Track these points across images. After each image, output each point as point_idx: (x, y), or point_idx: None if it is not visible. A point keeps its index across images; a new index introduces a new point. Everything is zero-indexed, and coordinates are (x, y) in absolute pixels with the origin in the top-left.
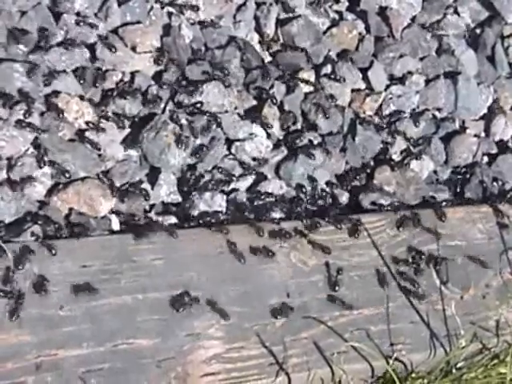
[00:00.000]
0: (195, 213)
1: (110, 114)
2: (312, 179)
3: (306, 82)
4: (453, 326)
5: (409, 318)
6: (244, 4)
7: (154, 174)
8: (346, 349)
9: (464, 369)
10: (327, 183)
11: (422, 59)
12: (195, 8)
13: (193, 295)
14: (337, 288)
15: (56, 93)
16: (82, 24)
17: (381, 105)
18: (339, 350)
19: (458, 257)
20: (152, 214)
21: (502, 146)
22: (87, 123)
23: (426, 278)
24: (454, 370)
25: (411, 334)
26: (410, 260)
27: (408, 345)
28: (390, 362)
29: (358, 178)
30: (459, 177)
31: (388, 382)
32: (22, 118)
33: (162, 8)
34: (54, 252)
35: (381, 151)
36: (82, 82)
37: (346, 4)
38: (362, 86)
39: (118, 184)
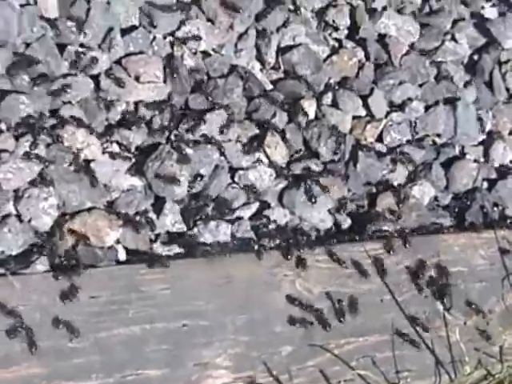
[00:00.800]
0: (200, 242)
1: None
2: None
3: (305, 113)
4: (457, 353)
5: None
6: (245, 32)
7: (159, 204)
8: (352, 376)
9: None
10: (330, 211)
11: (421, 86)
12: (197, 38)
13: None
14: (342, 319)
15: (62, 124)
16: (85, 55)
17: (381, 131)
18: (345, 378)
19: (461, 283)
20: (158, 244)
21: (502, 171)
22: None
23: (429, 304)
24: None
25: (416, 361)
26: (414, 287)
27: (413, 372)
28: None
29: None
30: (460, 202)
31: None
32: (28, 149)
33: (165, 38)
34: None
35: (382, 178)
36: (86, 112)
37: (346, 32)
38: (363, 113)
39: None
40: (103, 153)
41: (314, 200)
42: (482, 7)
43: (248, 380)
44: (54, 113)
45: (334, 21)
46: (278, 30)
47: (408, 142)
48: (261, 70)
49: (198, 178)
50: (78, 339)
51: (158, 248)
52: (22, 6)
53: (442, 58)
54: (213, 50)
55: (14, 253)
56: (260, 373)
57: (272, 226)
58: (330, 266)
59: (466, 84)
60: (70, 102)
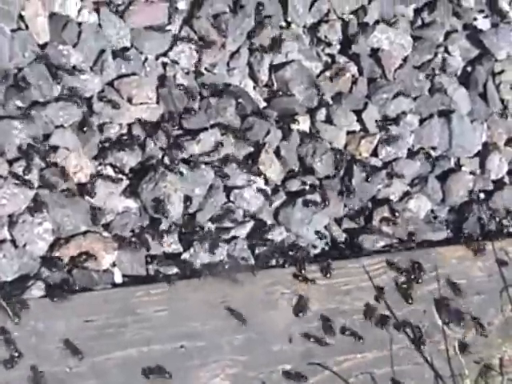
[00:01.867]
0: (197, 262)
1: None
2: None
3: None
4: (457, 366)
5: (412, 360)
6: (237, 51)
7: (154, 225)
8: None
9: None
10: (326, 227)
11: (415, 99)
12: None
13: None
14: (331, 335)
15: (55, 148)
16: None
17: (376, 146)
18: None
19: (459, 296)
20: (153, 266)
21: (498, 182)
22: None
23: (428, 318)
24: None
25: (415, 376)
26: (410, 301)
27: None
28: None
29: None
30: (457, 215)
31: None
32: (21, 174)
33: (157, 59)
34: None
35: (378, 192)
36: (79, 135)
37: (338, 47)
38: (357, 128)
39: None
40: (97, 175)
41: (310, 205)
42: (475, 19)
43: None
44: (46, 137)
45: (326, 36)
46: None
47: None
48: (254, 87)
49: (188, 202)
50: (75, 363)
51: (154, 269)
52: (13, 31)
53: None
54: (205, 69)
55: (9, 279)
56: None
57: (268, 244)
58: (327, 283)
59: (460, 96)
60: (62, 126)
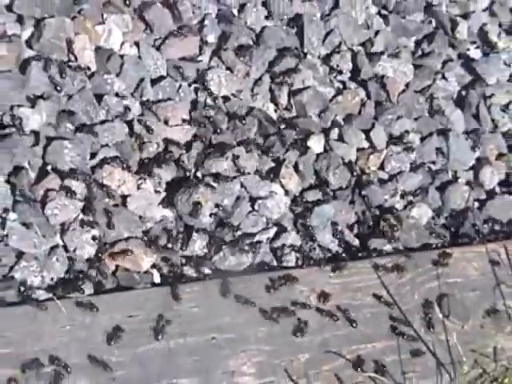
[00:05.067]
0: (225, 265)
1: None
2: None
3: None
4: (456, 354)
5: (417, 349)
6: (260, 79)
7: (188, 232)
8: (363, 379)
9: None
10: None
11: (416, 119)
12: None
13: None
14: (354, 324)
15: (101, 164)
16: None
17: (383, 161)
18: (357, 381)
19: (457, 292)
20: (187, 267)
21: (490, 192)
22: None
23: (430, 312)
24: None
25: (420, 363)
26: (416, 298)
27: (417, 373)
28: None
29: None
30: (454, 221)
31: None
32: (71, 188)
33: (189, 86)
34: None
35: (385, 202)
36: (122, 153)
37: (348, 74)
38: (366, 145)
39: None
40: (138, 188)
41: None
42: (468, 49)
43: None
44: (93, 155)
45: (337, 65)
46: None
47: None
48: (275, 110)
49: (219, 208)
50: (119, 354)
51: (188, 270)
52: (64, 62)
53: (434, 94)
54: (232, 94)
55: (61, 279)
56: (281, 378)
57: (288, 249)
58: (340, 282)
59: (456, 117)
60: (107, 145)
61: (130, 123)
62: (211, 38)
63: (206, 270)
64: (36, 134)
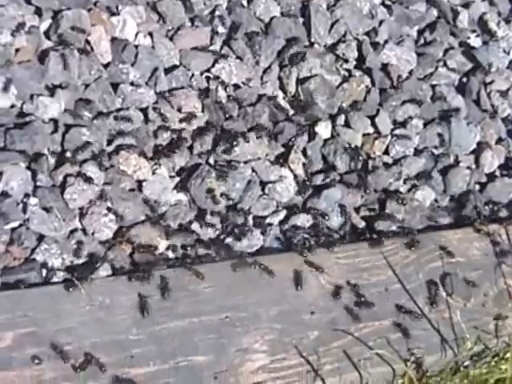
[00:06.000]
0: (237, 246)
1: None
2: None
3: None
4: (459, 331)
5: (422, 326)
6: (269, 67)
7: (201, 215)
8: (370, 355)
9: (470, 367)
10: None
11: (419, 106)
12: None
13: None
14: (362, 299)
15: (117, 151)
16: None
17: (387, 146)
18: (365, 357)
19: (460, 271)
20: (202, 249)
21: (491, 176)
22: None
23: (434, 290)
24: (461, 369)
25: (425, 340)
26: (421, 276)
27: (422, 349)
28: (408, 364)
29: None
30: (456, 203)
31: (407, 382)
32: (89, 174)
33: (201, 74)
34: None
35: (390, 185)
36: (137, 140)
37: (354, 63)
38: (371, 130)
39: (172, 225)
40: (153, 173)
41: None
42: (468, 37)
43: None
44: (110, 142)
45: (343, 54)
46: (296, 63)
47: None
48: (283, 97)
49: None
50: (137, 331)
51: (202, 252)
52: (80, 53)
53: (436, 81)
54: (242, 82)
55: (80, 261)
56: (292, 355)
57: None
58: (349, 262)
59: (458, 103)
60: (123, 132)
61: (144, 111)
62: (221, 29)
63: (220, 252)
64: (55, 121)
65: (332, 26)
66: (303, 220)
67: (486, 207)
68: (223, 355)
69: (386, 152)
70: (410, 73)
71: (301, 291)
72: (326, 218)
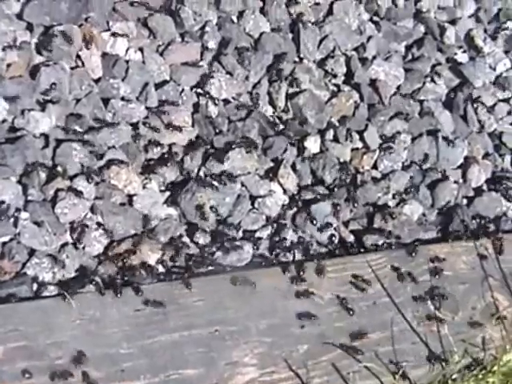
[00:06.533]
0: (227, 261)
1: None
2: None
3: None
4: (447, 344)
5: (410, 340)
6: (258, 82)
7: (192, 229)
8: (359, 368)
9: (458, 380)
10: (335, 228)
11: (407, 120)
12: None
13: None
14: (351, 312)
15: (108, 165)
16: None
17: (376, 160)
18: (354, 370)
19: (447, 285)
20: (192, 263)
21: (478, 190)
22: None
23: (422, 304)
24: (449, 382)
25: (413, 353)
26: (409, 290)
27: (410, 362)
28: (397, 377)
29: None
30: (444, 217)
31: None
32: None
33: (191, 90)
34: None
35: (378, 199)
36: (128, 154)
37: (343, 78)
38: (360, 145)
39: (162, 239)
40: (143, 188)
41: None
42: (455, 53)
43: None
44: (101, 156)
45: (332, 69)
46: (285, 78)
47: None
48: (273, 112)
49: (213, 209)
50: (128, 345)
51: (192, 266)
52: (72, 68)
53: (423, 96)
54: (232, 97)
55: (71, 275)
56: (282, 368)
57: (287, 244)
58: (337, 276)
59: (445, 118)
60: (113, 147)
61: (135, 125)
62: (211, 44)
63: (209, 266)
64: (46, 136)
65: (321, 41)
66: (292, 234)
67: (474, 221)
68: (213, 369)
69: (375, 166)
70: (398, 88)
71: (290, 305)
72: (314, 222)
